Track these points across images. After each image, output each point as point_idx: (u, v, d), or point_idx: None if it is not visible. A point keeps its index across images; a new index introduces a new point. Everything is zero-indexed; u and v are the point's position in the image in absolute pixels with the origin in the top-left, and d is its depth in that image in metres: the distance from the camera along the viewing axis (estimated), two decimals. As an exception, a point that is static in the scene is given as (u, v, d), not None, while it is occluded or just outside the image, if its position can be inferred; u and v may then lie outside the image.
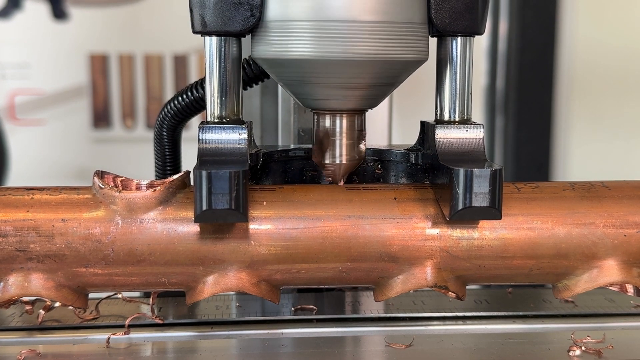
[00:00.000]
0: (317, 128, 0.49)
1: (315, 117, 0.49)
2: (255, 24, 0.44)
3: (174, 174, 0.47)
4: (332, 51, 0.43)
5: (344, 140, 0.48)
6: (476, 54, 0.48)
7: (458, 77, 0.47)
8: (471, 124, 0.47)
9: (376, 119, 0.63)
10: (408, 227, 0.46)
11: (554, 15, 1.42)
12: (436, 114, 0.48)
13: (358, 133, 0.49)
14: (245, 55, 0.48)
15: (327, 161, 0.49)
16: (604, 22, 1.45)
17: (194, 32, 0.44)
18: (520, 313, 0.57)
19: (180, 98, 0.55)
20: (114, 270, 0.45)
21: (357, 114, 0.48)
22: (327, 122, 0.48)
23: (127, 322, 0.52)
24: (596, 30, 1.45)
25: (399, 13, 0.43)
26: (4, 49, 1.47)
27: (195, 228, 0.45)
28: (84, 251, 0.45)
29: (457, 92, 0.47)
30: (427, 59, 0.46)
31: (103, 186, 0.46)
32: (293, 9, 0.43)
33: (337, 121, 0.47)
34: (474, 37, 0.47)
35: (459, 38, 0.46)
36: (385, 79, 0.45)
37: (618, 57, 1.45)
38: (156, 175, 0.60)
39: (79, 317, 0.54)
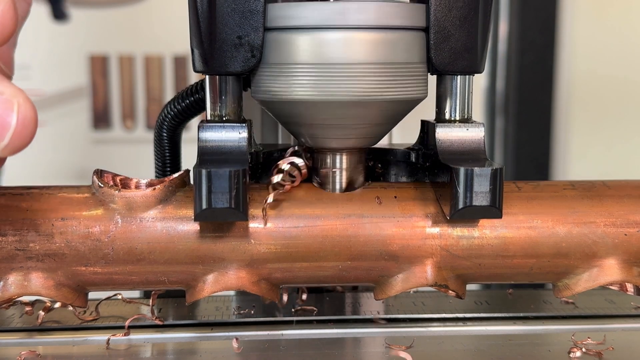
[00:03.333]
0: (317, 165, 0.48)
1: (315, 154, 0.49)
2: (255, 64, 0.44)
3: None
4: (333, 93, 0.43)
5: (344, 178, 0.48)
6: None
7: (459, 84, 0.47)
8: (472, 122, 0.47)
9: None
10: (408, 225, 0.46)
11: (554, 16, 1.42)
12: (437, 113, 0.48)
13: (358, 169, 0.48)
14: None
15: None
16: (604, 23, 1.46)
17: (195, 71, 0.45)
18: (521, 314, 0.56)
19: (180, 99, 0.55)
20: (114, 269, 0.45)
21: (357, 152, 0.48)
22: (328, 160, 0.48)
23: (127, 323, 0.52)
24: (596, 31, 1.45)
25: (398, 54, 0.43)
26: (4, 51, 1.47)
27: (195, 227, 0.45)
28: (84, 250, 0.45)
29: (458, 92, 0.47)
30: (426, 96, 0.46)
31: (102, 185, 0.46)
32: (293, 51, 0.43)
33: (337, 159, 0.47)
34: (474, 75, 0.47)
35: (459, 77, 0.47)
36: (385, 118, 0.45)
37: (618, 58, 1.45)
38: (156, 177, 0.60)
39: (79, 318, 0.54)
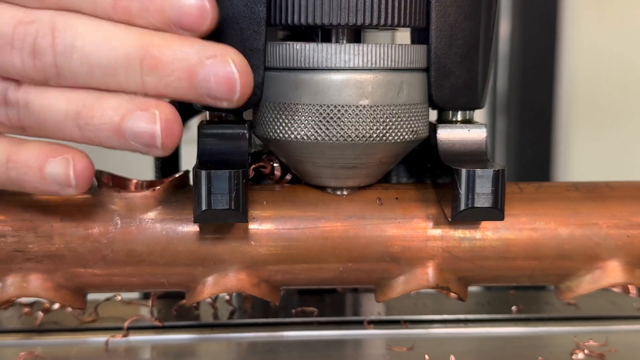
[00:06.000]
0: None
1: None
2: (256, 102, 0.44)
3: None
4: (333, 134, 0.43)
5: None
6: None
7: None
8: (474, 123, 0.47)
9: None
10: (410, 227, 0.46)
11: (556, 16, 1.42)
12: (438, 113, 0.48)
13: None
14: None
15: None
16: (606, 23, 1.45)
17: (196, 108, 0.45)
18: (523, 316, 0.56)
19: (180, 99, 0.55)
20: (113, 270, 0.45)
21: (357, 189, 0.47)
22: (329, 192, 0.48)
23: (125, 324, 0.52)
24: (598, 31, 1.45)
25: (400, 96, 0.43)
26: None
27: (194, 228, 0.45)
28: (83, 251, 0.44)
29: (458, 112, 0.47)
30: (427, 136, 0.47)
31: (102, 186, 0.45)
32: (294, 91, 0.43)
33: (338, 193, 0.47)
34: (474, 110, 0.47)
35: (459, 112, 0.47)
36: (386, 158, 0.46)
37: (620, 57, 1.45)
38: (156, 177, 0.59)
39: (78, 319, 0.54)
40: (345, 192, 0.47)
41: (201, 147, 0.44)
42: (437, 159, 0.46)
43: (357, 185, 0.47)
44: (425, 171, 0.50)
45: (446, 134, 0.46)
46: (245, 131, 0.45)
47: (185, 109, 0.55)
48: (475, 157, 0.46)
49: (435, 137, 0.46)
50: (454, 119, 0.47)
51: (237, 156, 0.44)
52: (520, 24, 1.41)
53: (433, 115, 0.49)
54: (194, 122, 0.56)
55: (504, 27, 1.44)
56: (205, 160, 0.44)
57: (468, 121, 0.47)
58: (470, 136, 0.46)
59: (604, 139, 1.48)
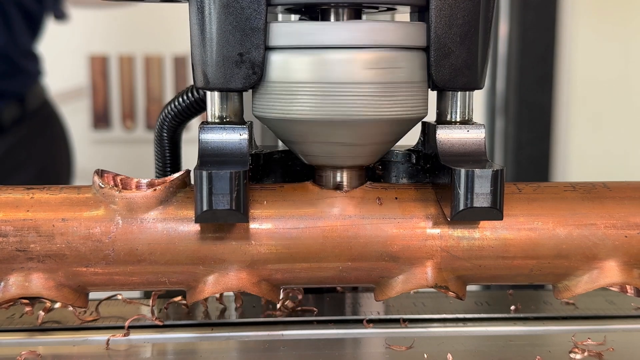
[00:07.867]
0: (320, 181, 0.48)
1: (318, 170, 0.49)
2: (257, 81, 0.44)
3: (174, 174, 0.47)
4: (333, 112, 0.43)
5: (344, 187, 0.48)
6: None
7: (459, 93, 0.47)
8: (472, 124, 0.47)
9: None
10: (409, 227, 0.46)
11: (554, 17, 1.42)
12: (437, 114, 0.48)
13: (359, 185, 0.49)
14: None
15: None
16: (604, 24, 1.46)
17: (197, 88, 0.45)
18: (521, 315, 0.56)
19: (181, 99, 0.55)
20: (115, 269, 0.45)
21: (358, 168, 0.48)
22: (329, 174, 0.48)
23: (127, 323, 0.52)
24: (596, 32, 1.45)
25: (399, 74, 0.43)
26: (4, 50, 1.46)
27: (195, 228, 0.45)
28: (85, 251, 0.45)
29: (458, 94, 0.47)
30: (426, 114, 0.47)
31: (103, 185, 0.46)
32: (294, 70, 0.43)
33: (338, 176, 0.47)
34: (474, 91, 0.47)
35: (459, 93, 0.47)
36: (385, 137, 0.46)
37: (618, 58, 1.46)
38: (156, 177, 0.60)
39: (79, 318, 0.54)
40: (345, 183, 0.47)
41: (202, 147, 0.45)
42: (437, 159, 0.46)
43: (356, 165, 0.47)
44: (424, 171, 0.51)
45: (445, 135, 0.47)
46: (246, 131, 0.45)
47: (187, 110, 0.55)
48: (474, 157, 0.46)
49: (435, 137, 0.47)
50: (453, 120, 0.47)
51: (238, 156, 0.45)
52: (518, 25, 1.42)
53: (432, 116, 0.49)
54: (195, 122, 0.56)
55: (503, 27, 1.44)
56: (206, 161, 0.44)
57: (467, 121, 0.47)
58: (469, 136, 0.47)
59: (602, 140, 1.48)
